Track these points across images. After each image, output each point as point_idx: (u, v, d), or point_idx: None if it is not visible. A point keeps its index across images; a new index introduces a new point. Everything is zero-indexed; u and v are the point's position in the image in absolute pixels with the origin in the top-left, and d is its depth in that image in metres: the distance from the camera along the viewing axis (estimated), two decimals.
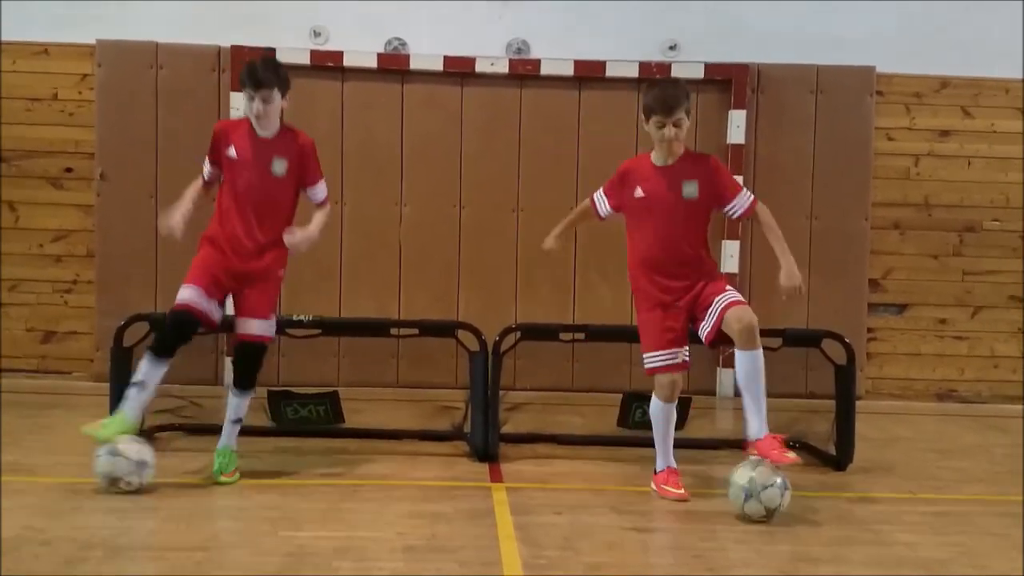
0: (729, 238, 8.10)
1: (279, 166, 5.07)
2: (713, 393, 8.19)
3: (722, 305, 4.79)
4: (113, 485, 4.72)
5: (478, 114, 8.23)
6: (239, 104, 7.83)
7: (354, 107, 8.18)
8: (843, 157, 8.27)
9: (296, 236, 5.10)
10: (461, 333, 5.90)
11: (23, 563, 3.78)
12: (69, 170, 8.12)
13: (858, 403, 5.89)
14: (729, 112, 8.18)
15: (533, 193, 8.26)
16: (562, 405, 7.53)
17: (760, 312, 8.04)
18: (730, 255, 8.11)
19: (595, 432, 6.43)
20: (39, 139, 8.06)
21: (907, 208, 8.44)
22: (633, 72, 8.06)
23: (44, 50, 8.07)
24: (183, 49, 8.01)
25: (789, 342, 5.93)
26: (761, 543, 4.32)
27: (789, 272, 4.95)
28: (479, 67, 8.10)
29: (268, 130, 5.08)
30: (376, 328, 6.44)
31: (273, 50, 7.67)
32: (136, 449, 4.79)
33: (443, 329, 6.20)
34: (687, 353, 4.98)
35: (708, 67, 8.15)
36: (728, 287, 4.93)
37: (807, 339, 6.13)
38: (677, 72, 8.02)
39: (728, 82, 8.19)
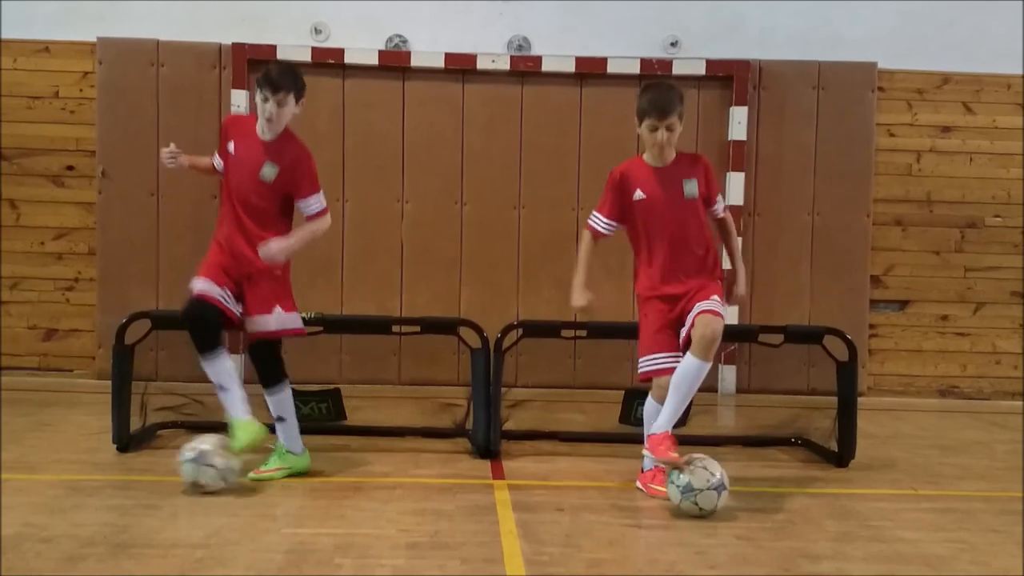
0: None
1: (269, 171, 4.94)
2: (715, 390, 8.18)
3: (697, 311, 4.77)
4: (196, 488, 4.73)
5: (479, 111, 8.23)
6: (239, 101, 7.90)
7: (355, 104, 8.18)
8: (845, 153, 8.27)
9: (270, 248, 4.85)
10: (463, 330, 5.89)
11: (24, 560, 3.78)
12: (70, 168, 8.12)
13: (860, 399, 5.88)
14: (730, 109, 8.18)
15: (534, 190, 8.26)
16: (564, 402, 7.53)
17: (762, 308, 8.15)
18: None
19: (597, 429, 6.43)
20: (40, 137, 8.08)
21: (909, 204, 8.44)
22: (634, 69, 8.05)
23: (45, 48, 8.08)
24: (184, 47, 8.01)
25: (791, 339, 5.93)
26: (763, 539, 4.32)
27: (743, 281, 5.18)
28: (480, 64, 8.11)
29: (271, 133, 5.01)
30: (378, 325, 6.43)
31: (274, 48, 7.68)
32: (224, 461, 4.75)
33: (445, 326, 6.20)
34: (680, 358, 4.94)
35: (709, 63, 8.15)
36: (714, 296, 4.87)
37: (809, 335, 6.12)
38: (679, 69, 8.03)
39: (730, 78, 8.19)
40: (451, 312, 7.94)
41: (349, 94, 8.18)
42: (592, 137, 8.17)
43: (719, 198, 5.11)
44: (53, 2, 8.01)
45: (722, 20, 8.26)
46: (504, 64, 8.13)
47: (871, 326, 8.45)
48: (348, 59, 8.06)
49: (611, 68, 8.12)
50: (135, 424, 5.68)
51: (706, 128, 8.15)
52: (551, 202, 8.24)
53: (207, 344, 4.86)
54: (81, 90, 8.09)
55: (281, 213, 5.05)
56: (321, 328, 5.96)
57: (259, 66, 6.70)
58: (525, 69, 8.16)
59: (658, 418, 4.80)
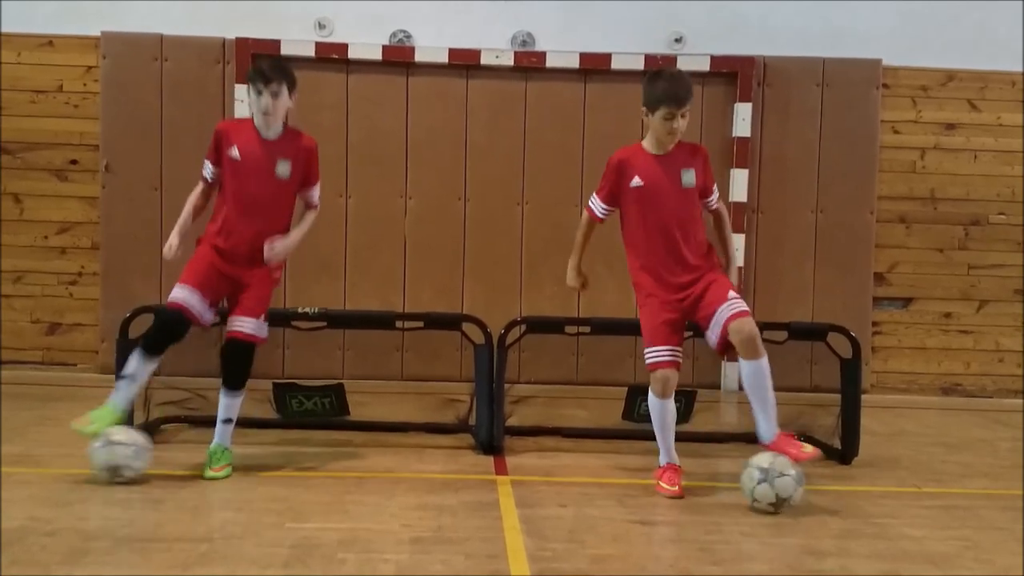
0: (734, 232, 8.06)
1: (283, 168, 5.03)
2: (718, 387, 8.18)
3: (725, 317, 4.79)
4: (115, 475, 4.71)
5: (483, 107, 8.22)
6: (244, 96, 7.87)
7: (359, 100, 8.17)
8: (849, 150, 8.26)
9: (276, 248, 5.01)
10: (466, 326, 5.90)
11: (29, 553, 3.79)
12: (74, 162, 8.12)
13: (863, 397, 5.89)
14: (735, 105, 8.17)
15: (538, 186, 8.25)
16: (567, 398, 7.53)
17: (765, 305, 8.14)
18: (736, 248, 8.08)
19: (600, 425, 6.43)
20: (44, 131, 8.07)
21: (913, 201, 8.43)
22: (638, 65, 8.04)
23: (49, 42, 8.07)
24: (188, 41, 8.01)
25: (794, 336, 5.93)
26: (766, 536, 4.32)
27: (735, 274, 5.22)
28: (484, 60, 8.10)
29: (272, 131, 5.04)
30: (381, 321, 6.43)
31: (278, 43, 7.67)
32: (130, 436, 4.81)
33: (448, 322, 6.20)
34: (680, 353, 4.95)
35: (714, 60, 8.14)
36: (730, 292, 4.89)
37: (812, 333, 6.12)
38: (683, 65, 8.00)
39: (734, 75, 8.18)
40: (454, 308, 7.93)
41: (353, 89, 8.17)
42: (596, 133, 8.16)
43: (714, 189, 5.13)
44: None
45: (726, 16, 8.25)
46: (508, 60, 8.12)
47: (874, 323, 8.44)
48: (352, 54, 8.06)
49: (615, 64, 8.11)
50: (139, 418, 5.68)
51: (710, 124, 8.14)
52: (555, 198, 8.23)
53: (156, 349, 4.93)
54: (85, 84, 8.09)
55: (290, 207, 5.17)
56: (325, 324, 5.96)
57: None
58: (529, 65, 8.15)
59: (759, 426, 4.83)
